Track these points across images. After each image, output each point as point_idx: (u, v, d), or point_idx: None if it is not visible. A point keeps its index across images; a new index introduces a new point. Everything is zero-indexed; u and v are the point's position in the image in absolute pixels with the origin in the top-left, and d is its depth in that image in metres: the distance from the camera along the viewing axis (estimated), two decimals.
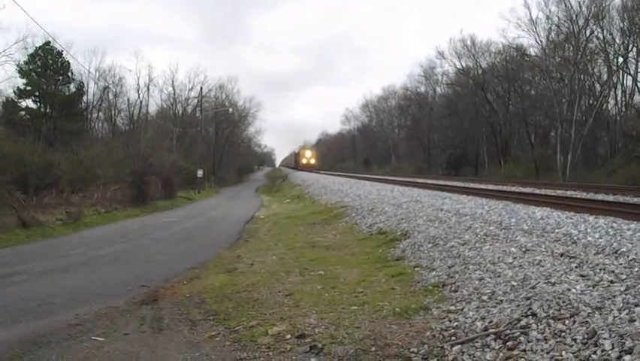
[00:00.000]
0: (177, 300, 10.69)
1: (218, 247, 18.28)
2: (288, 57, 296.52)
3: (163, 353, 7.62)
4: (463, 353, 6.60)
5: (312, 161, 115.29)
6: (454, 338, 7.09)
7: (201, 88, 74.39)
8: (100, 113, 70.83)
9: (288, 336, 7.67)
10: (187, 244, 19.78)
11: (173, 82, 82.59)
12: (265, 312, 9.05)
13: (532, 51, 59.47)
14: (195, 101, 78.58)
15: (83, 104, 63.22)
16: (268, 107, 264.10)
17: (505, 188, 29.16)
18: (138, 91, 75.28)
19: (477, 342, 6.78)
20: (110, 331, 8.76)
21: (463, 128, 72.58)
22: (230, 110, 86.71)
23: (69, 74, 56.66)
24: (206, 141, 77.41)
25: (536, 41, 56.92)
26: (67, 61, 55.57)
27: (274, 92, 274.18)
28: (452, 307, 8.27)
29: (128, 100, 74.50)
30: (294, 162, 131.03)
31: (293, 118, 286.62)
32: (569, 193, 23.79)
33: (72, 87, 58.22)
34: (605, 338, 5.94)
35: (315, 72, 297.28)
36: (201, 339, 8.03)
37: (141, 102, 75.73)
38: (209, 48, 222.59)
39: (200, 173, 58.85)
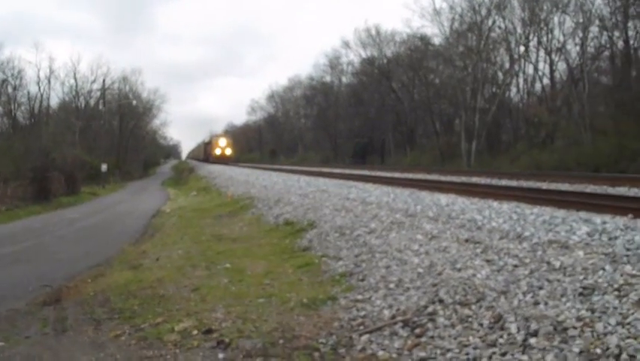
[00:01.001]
0: (81, 299, 10.41)
1: (123, 243, 17.99)
2: (194, 48, 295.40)
3: (66, 354, 7.40)
4: (372, 342, 6.61)
5: (228, 151, 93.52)
6: (362, 327, 7.08)
7: (104, 80, 72.98)
8: None
9: (195, 332, 7.53)
10: (91, 241, 19.41)
11: (75, 74, 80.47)
12: (171, 308, 8.87)
13: (436, 40, 60.54)
14: (98, 93, 76.90)
15: None
16: (174, 99, 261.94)
17: (411, 176, 29.45)
18: (39, 84, 73.51)
19: (385, 330, 6.80)
20: (11, 334, 8.46)
21: (369, 117, 73.17)
22: (134, 102, 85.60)
23: None
24: (110, 135, 76.28)
25: (440, 31, 57.94)
26: None
27: (180, 84, 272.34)
28: (360, 297, 8.27)
29: (29, 93, 72.70)
30: (203, 153, 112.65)
31: (199, 110, 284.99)
32: (474, 180, 24.18)
33: None
34: (510, 322, 6.04)
35: (220, 63, 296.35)
36: (106, 339, 7.82)
37: (42, 95, 74.11)
38: (113, 39, 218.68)
39: (104, 167, 57.71)
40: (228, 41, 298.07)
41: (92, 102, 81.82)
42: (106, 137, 67.58)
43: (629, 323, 5.39)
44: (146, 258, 14.42)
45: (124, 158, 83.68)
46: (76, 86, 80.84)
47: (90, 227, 24.24)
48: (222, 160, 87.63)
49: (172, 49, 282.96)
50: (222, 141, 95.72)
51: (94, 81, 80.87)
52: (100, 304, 9.84)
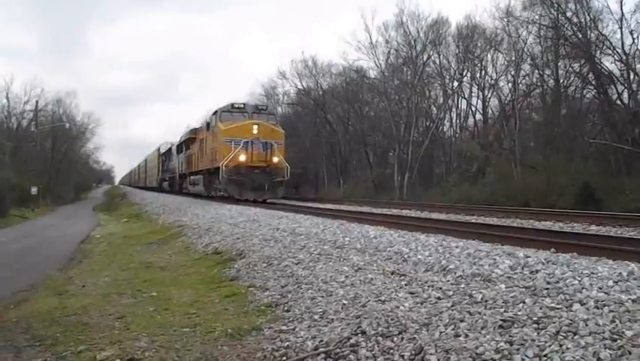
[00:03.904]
0: (2, 325, 10.17)
1: (49, 269, 17.62)
2: (130, 73, 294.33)
3: None
4: None
5: (275, 158, 35.41)
6: (284, 358, 7.08)
7: (37, 102, 71.80)
8: None
9: None
10: (16, 266, 18.98)
11: (7, 94, 78.93)
12: (95, 336, 8.72)
13: (372, 73, 61.32)
14: (31, 115, 75.68)
15: None
16: (108, 124, 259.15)
17: (342, 207, 29.55)
18: None
19: None
20: None
21: (304, 147, 73.32)
22: (67, 125, 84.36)
23: None
24: (42, 157, 74.95)
25: (376, 64, 58.86)
26: None
27: (115, 108, 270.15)
28: (284, 327, 8.26)
29: None
30: (159, 172, 71.49)
31: (134, 135, 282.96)
32: (405, 212, 24.41)
33: None
34: (431, 354, 6.08)
35: (156, 88, 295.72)
36: None
37: None
38: (48, 61, 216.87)
39: (34, 190, 56.70)
40: (164, 67, 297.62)
41: (25, 123, 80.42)
42: (37, 159, 66.49)
43: (545, 355, 5.49)
44: (73, 284, 14.18)
45: (55, 181, 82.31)
46: (9, 106, 79.32)
47: (17, 251, 23.73)
48: (260, 184, 35.22)
49: (108, 73, 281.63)
50: (255, 128, 35.45)
51: (27, 102, 79.33)
52: (22, 330, 9.63)
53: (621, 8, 37.48)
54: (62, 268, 17.84)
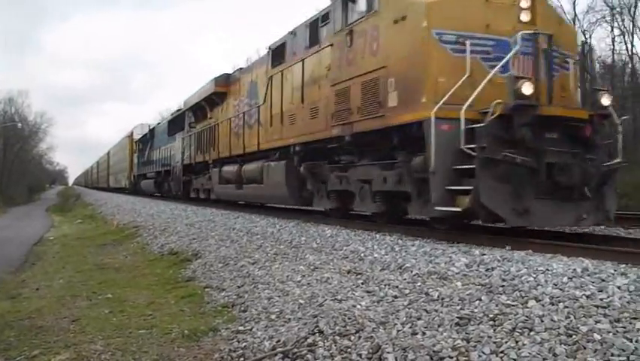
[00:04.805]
0: None
1: (1, 272, 17.38)
2: (84, 71, 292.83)
3: None
4: None
5: (605, 99, 11.42)
6: (242, 358, 7.09)
7: None
8: None
9: None
10: None
11: None
12: (49, 340, 8.60)
13: None
14: None
15: None
16: (61, 124, 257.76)
17: (297, 206, 29.25)
18: None
19: None
20: None
21: None
22: (19, 124, 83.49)
23: None
24: None
25: None
26: None
27: (68, 108, 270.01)
28: (241, 328, 8.26)
29: None
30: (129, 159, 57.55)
31: (87, 135, 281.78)
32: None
33: None
34: (388, 352, 6.09)
35: (110, 88, 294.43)
36: None
37: None
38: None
39: None
40: (118, 67, 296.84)
41: None
42: None
43: (502, 352, 5.53)
44: (26, 287, 13.95)
45: (7, 182, 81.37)
46: None
47: None
48: (575, 177, 10.78)
49: (60, 71, 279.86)
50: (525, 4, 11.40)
51: None
52: None
53: (574, 9, 38.28)
54: (15, 271, 17.57)
